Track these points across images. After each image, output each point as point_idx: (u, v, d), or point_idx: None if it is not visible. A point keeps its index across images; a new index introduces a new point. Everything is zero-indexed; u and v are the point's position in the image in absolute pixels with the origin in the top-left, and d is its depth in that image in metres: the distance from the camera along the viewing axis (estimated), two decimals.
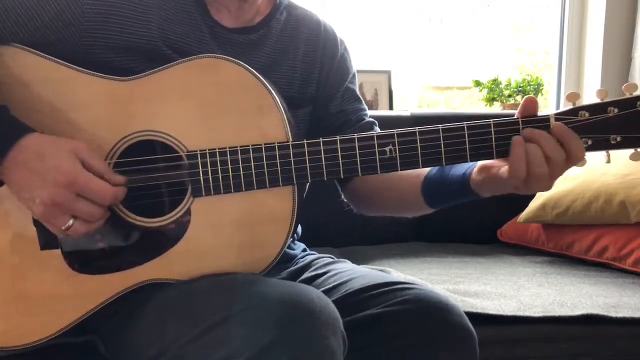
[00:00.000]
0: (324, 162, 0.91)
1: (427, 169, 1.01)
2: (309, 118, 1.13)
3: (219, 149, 0.90)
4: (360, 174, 0.92)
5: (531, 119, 0.90)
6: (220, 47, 1.02)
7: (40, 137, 0.86)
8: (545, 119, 0.89)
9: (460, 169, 0.96)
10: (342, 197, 1.18)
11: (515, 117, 0.91)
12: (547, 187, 0.90)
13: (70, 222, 0.84)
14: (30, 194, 0.84)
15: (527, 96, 0.92)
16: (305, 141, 0.91)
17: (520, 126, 0.89)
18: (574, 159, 0.88)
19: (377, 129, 1.15)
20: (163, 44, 0.97)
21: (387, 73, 2.42)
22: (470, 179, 0.95)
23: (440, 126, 0.91)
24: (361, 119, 1.16)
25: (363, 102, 1.20)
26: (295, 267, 1.13)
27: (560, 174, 0.89)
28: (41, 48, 0.92)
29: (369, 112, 1.19)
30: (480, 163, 0.94)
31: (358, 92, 1.20)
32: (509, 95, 2.47)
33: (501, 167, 0.91)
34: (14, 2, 0.92)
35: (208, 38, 1.01)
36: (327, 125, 1.14)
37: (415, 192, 1.02)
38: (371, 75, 2.40)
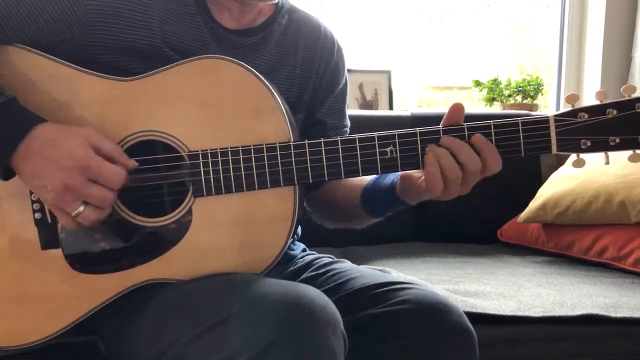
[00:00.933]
0: (325, 163, 0.91)
1: (368, 179, 1.02)
2: (302, 124, 1.12)
3: (220, 149, 0.90)
4: (361, 174, 0.92)
5: (530, 119, 0.90)
6: (221, 49, 1.01)
7: (51, 125, 0.87)
8: (545, 120, 0.90)
9: (390, 177, 0.98)
10: (305, 204, 1.15)
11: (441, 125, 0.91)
12: (463, 192, 0.91)
13: (81, 208, 0.85)
14: (42, 181, 0.84)
15: (454, 103, 0.92)
16: (306, 141, 0.91)
17: (520, 127, 0.90)
18: (487, 170, 0.90)
19: None
20: (164, 45, 0.97)
21: (387, 73, 2.41)
22: (397, 188, 0.96)
23: (440, 126, 0.91)
24: (340, 135, 1.14)
25: (347, 116, 1.19)
26: (295, 267, 1.13)
27: (475, 181, 0.91)
28: (44, 48, 0.92)
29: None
30: (402, 172, 0.95)
31: (346, 104, 1.19)
32: (509, 95, 2.47)
33: (420, 177, 0.92)
34: (17, 3, 0.92)
35: (209, 39, 1.01)
36: (309, 133, 1.11)
37: (357, 203, 1.03)
38: (371, 75, 2.40)
